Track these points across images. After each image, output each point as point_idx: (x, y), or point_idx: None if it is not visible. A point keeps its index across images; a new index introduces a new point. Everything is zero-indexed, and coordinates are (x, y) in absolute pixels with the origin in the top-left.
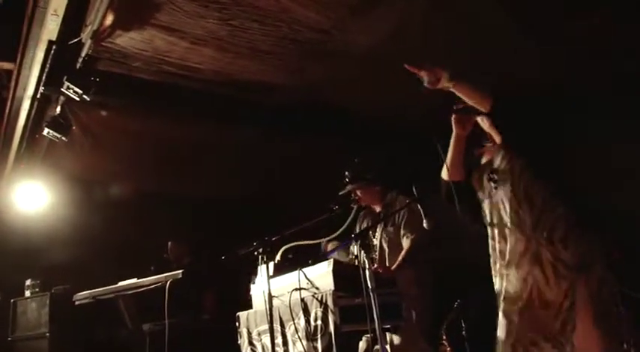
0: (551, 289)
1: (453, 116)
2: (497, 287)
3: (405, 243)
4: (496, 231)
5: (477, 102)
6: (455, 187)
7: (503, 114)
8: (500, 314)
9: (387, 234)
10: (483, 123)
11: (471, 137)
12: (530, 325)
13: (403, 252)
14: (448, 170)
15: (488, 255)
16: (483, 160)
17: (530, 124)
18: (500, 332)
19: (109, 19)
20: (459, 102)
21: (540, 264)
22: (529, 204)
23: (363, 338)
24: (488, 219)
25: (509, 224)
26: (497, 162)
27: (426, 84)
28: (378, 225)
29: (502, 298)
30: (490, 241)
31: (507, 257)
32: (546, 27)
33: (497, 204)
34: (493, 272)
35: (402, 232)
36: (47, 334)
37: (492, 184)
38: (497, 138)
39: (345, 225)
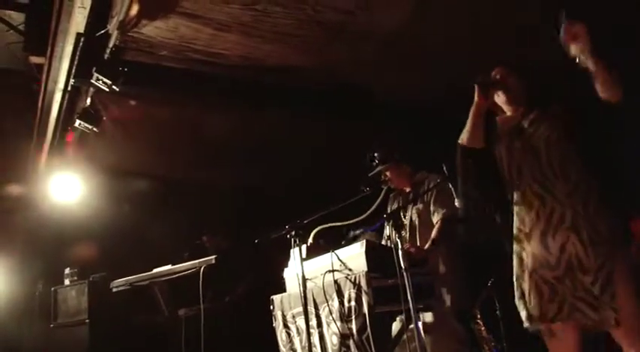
0: (588, 256)
1: (476, 86)
2: (531, 251)
3: (436, 218)
4: (524, 195)
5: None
6: (470, 152)
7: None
8: (532, 281)
9: (417, 211)
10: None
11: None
12: (571, 289)
13: (435, 231)
14: (467, 135)
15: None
16: (505, 127)
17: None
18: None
19: (134, 9)
20: (483, 75)
21: (577, 231)
22: (563, 173)
23: (397, 319)
24: (516, 181)
25: (541, 192)
26: (528, 126)
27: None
28: (409, 205)
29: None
30: (515, 206)
31: (542, 225)
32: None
33: (522, 167)
34: (519, 236)
35: (432, 208)
36: (87, 320)
37: (519, 145)
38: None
39: (375, 205)
